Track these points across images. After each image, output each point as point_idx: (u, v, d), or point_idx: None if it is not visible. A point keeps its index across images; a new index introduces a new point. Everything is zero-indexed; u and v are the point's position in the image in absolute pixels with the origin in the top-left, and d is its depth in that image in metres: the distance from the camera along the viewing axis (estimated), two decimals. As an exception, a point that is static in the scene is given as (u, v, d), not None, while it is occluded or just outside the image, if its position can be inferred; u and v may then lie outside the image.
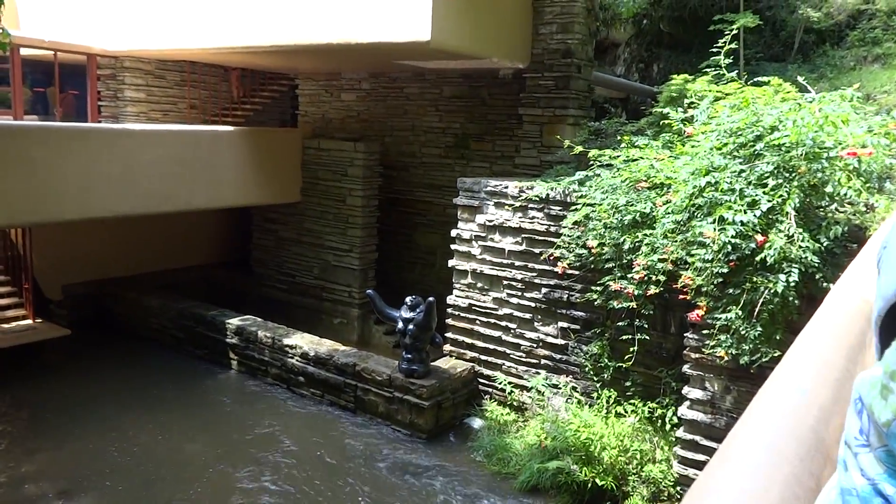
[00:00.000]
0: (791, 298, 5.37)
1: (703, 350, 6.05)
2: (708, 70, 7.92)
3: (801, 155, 5.61)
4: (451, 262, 9.01)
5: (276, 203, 12.24)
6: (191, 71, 13.72)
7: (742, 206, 5.64)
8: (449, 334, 9.04)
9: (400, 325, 8.39)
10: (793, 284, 5.31)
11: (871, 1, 13.66)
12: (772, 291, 5.38)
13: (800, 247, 5.33)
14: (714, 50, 7.81)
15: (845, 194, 5.39)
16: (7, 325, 10.43)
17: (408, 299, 8.46)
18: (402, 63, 10.92)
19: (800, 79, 7.13)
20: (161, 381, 9.67)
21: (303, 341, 9.46)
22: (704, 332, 6.02)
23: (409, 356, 8.29)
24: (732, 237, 5.55)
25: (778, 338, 5.49)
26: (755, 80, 7.25)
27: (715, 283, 5.77)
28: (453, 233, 8.93)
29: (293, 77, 14.37)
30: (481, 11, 9.15)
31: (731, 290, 5.72)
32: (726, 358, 5.76)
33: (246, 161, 11.15)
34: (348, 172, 11.61)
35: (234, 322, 10.19)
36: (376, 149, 11.85)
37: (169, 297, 11.52)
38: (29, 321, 10.63)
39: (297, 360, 9.34)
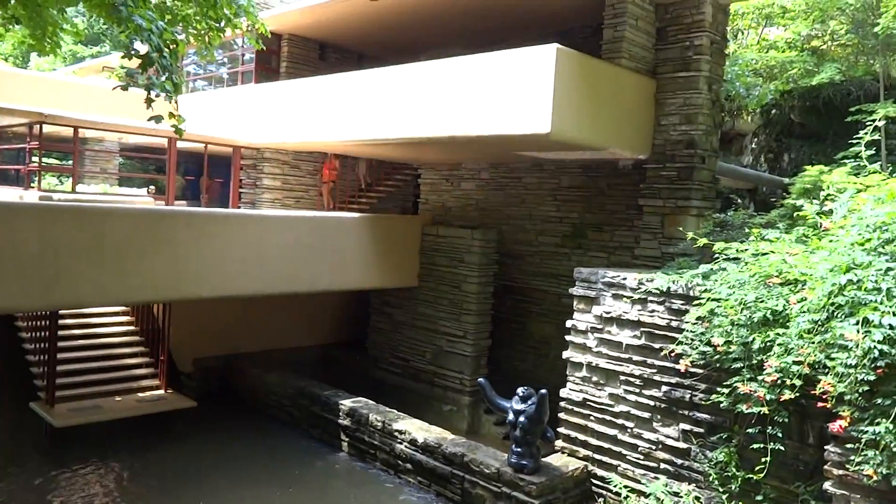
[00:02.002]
0: (953, 414, 4.75)
1: (848, 466, 5.41)
2: (846, 161, 7.49)
3: (960, 253, 5.08)
4: (565, 354, 8.76)
5: (394, 287, 12.55)
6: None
7: (890, 307, 5.14)
8: (561, 429, 8.68)
9: (510, 416, 8.16)
10: (955, 398, 4.71)
11: None
12: (929, 405, 4.79)
13: (962, 355, 4.75)
14: (852, 141, 7.40)
15: None
16: (142, 393, 11.15)
17: (520, 390, 8.25)
18: (522, 154, 11.13)
19: (954, 171, 6.57)
20: (276, 458, 9.88)
21: (412, 427, 9.40)
22: (848, 445, 5.40)
23: (519, 450, 8.00)
24: (880, 341, 5.04)
25: (939, 458, 4.84)
26: (901, 171, 6.77)
27: (860, 391, 5.21)
28: (568, 323, 8.72)
29: (416, 167, 15.00)
30: (601, 104, 9.23)
31: (879, 401, 5.14)
32: (875, 477, 5.12)
33: (367, 246, 11.59)
34: (465, 259, 11.77)
35: (347, 403, 10.34)
36: (493, 236, 11.98)
37: (288, 374, 11.93)
38: (161, 391, 11.32)
39: (405, 447, 9.27)
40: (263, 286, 10.28)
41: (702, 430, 7.26)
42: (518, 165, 12.64)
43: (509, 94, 8.75)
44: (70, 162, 14.77)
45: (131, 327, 12.18)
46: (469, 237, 11.76)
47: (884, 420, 5.05)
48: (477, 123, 9.12)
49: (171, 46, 6.89)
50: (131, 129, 13.08)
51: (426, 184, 14.43)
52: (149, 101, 6.71)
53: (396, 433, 9.43)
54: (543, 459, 8.21)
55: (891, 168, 7.77)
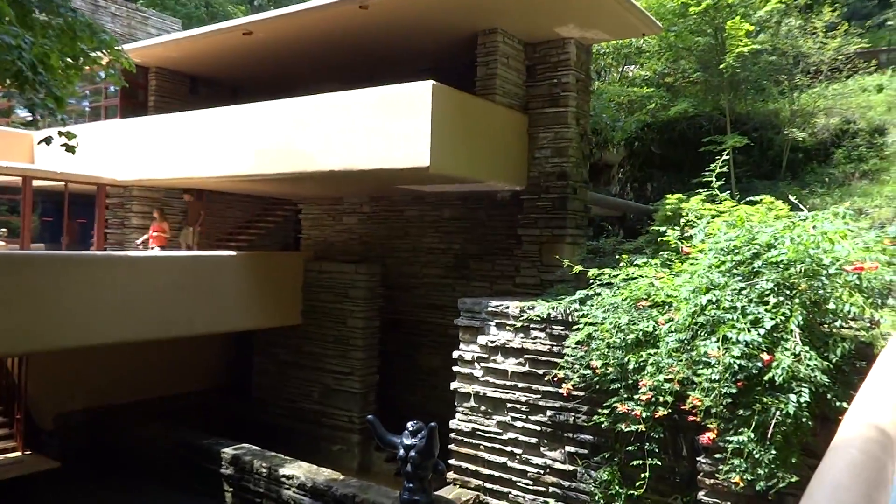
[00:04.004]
0: (804, 419, 5.19)
1: (718, 475, 5.77)
2: (701, 189, 8.10)
3: (800, 272, 5.61)
4: (453, 385, 8.81)
5: (277, 326, 12.17)
6: (197, 198, 14.06)
7: (745, 324, 5.57)
8: (452, 461, 8.69)
9: (401, 451, 8.07)
10: (804, 404, 5.15)
11: (851, 122, 14.23)
12: (783, 412, 5.21)
13: (807, 365, 5.21)
14: (706, 171, 8.03)
15: (848, 311, 5.34)
16: (-6, 458, 10.09)
17: (409, 425, 8.20)
18: (403, 187, 11.23)
19: (791, 198, 7.28)
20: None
21: (300, 471, 9.08)
22: (717, 455, 5.78)
23: (411, 485, 7.92)
24: (738, 356, 5.44)
25: (794, 461, 5.26)
26: (748, 199, 7.40)
27: (724, 403, 5.60)
28: (455, 354, 8.80)
29: (296, 202, 14.73)
30: (477, 138, 9.51)
31: (741, 412, 5.54)
32: (742, 484, 5.49)
33: (247, 285, 11.20)
34: (349, 294, 11.63)
35: (229, 451, 9.84)
36: (377, 270, 11.94)
37: (164, 425, 11.21)
38: (17, 453, 10.28)
39: (293, 492, 8.93)
40: (134, 332, 9.65)
41: (586, 452, 7.51)
42: (400, 198, 12.72)
43: (388, 128, 8.83)
44: None
45: (-19, 385, 11.04)
46: (353, 272, 11.65)
47: (746, 429, 5.44)
48: (357, 158, 9.11)
49: (45, 60, 6.35)
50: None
51: (307, 219, 14.20)
52: (35, 124, 6.19)
53: (283, 478, 9.07)
54: (436, 493, 8.17)
55: (739, 195, 8.48)
